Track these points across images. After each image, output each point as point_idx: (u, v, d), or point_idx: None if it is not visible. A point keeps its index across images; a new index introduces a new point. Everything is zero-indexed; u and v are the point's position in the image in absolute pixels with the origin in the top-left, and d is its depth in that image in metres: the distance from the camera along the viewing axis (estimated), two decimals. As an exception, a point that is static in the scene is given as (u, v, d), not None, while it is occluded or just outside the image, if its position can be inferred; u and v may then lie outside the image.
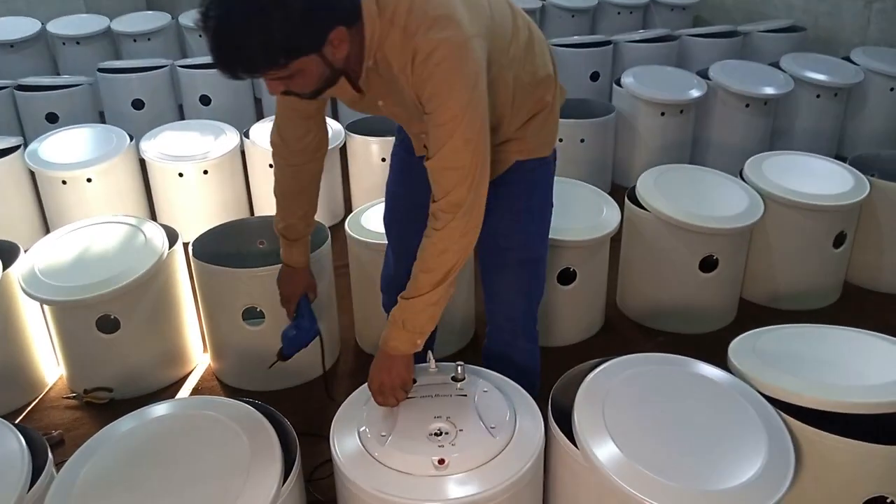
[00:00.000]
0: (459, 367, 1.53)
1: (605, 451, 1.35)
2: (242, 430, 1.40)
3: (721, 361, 1.65)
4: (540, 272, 1.71)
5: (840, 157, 3.10)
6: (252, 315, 2.23)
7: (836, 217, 2.57)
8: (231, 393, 2.30)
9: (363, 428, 1.41)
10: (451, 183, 1.31)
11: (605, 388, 1.51)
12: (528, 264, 1.67)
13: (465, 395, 1.47)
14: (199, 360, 2.46)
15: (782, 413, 1.48)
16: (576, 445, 1.40)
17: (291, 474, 1.35)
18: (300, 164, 1.67)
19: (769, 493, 1.29)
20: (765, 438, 1.40)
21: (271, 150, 1.69)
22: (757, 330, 1.81)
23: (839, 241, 2.62)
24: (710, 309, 2.56)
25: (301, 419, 2.20)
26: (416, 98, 1.32)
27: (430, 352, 1.56)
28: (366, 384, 1.51)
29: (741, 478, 1.31)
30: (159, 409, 1.50)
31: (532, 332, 1.76)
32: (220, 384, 2.36)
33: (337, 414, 1.48)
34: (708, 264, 2.46)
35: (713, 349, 1.78)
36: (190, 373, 2.41)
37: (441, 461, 1.33)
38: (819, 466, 1.48)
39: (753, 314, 2.65)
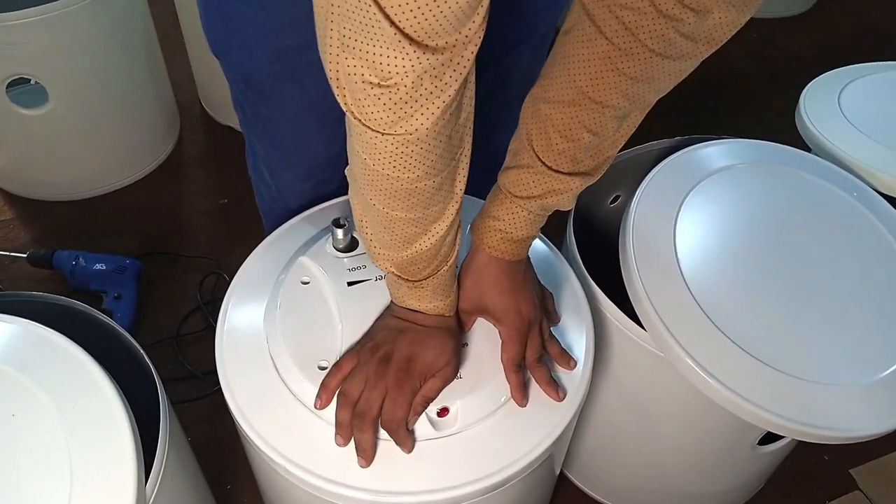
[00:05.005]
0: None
1: (696, 340, 0.80)
2: (45, 391, 0.70)
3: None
4: None
5: None
6: (23, 87, 1.37)
7: None
8: (21, 209, 1.51)
9: (281, 351, 0.75)
10: None
11: (664, 222, 0.91)
12: None
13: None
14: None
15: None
16: (640, 325, 0.84)
17: (155, 464, 0.70)
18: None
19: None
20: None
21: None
22: (830, 74, 1.20)
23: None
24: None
25: (146, 238, 1.46)
26: None
27: None
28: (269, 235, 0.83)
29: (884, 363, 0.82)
30: None
31: None
32: (0, 194, 1.55)
33: (220, 331, 0.80)
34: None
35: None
36: (-54, 177, 1.57)
37: (442, 412, 0.72)
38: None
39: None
